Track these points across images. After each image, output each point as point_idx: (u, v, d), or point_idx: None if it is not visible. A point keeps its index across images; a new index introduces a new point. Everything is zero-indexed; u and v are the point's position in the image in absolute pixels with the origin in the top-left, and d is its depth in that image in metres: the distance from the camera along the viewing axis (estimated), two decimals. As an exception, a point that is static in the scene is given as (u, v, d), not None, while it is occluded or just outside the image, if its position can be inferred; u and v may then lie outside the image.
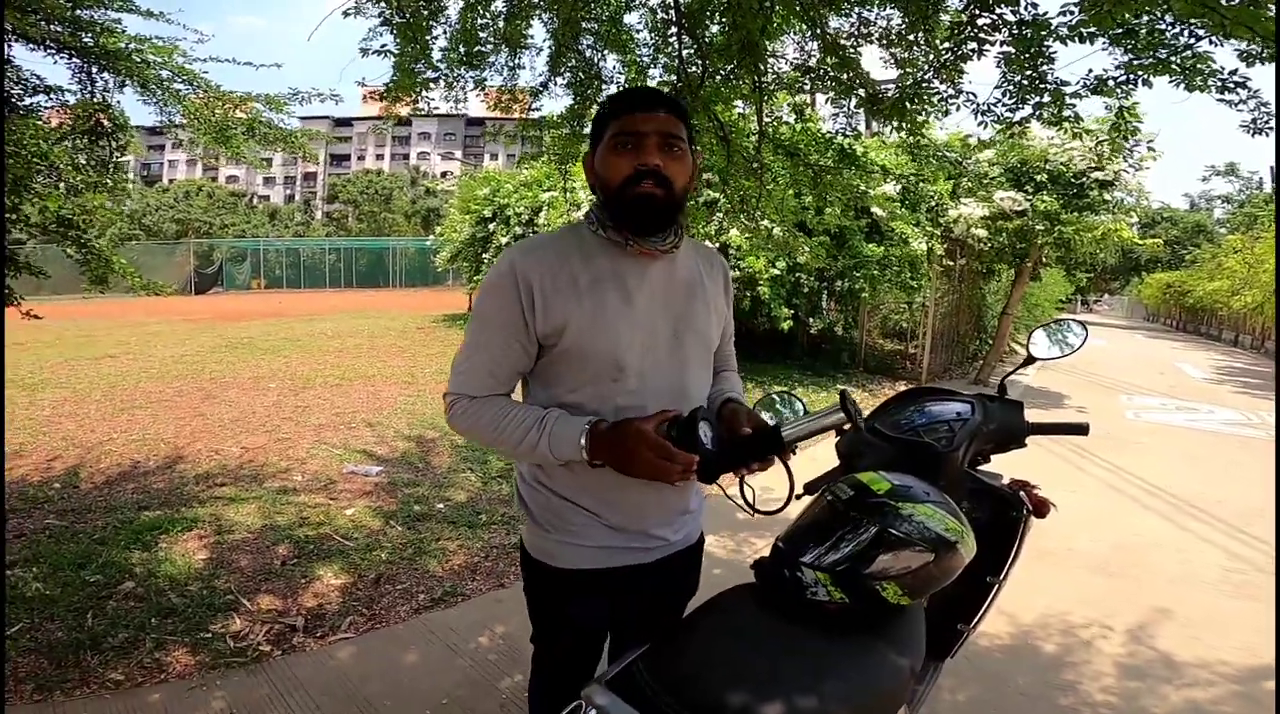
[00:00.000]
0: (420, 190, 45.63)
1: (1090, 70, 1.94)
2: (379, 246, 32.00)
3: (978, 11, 1.87)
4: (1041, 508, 1.45)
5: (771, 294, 7.48)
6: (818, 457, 1.51)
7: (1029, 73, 1.99)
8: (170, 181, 48.42)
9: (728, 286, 1.35)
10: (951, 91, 2.22)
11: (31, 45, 3.18)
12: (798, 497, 1.50)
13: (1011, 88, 2.12)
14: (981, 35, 1.92)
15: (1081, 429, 1.53)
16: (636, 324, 1.17)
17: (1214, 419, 7.63)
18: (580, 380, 1.17)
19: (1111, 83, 1.91)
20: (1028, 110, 2.18)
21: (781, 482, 1.20)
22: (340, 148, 61.73)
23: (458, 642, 2.49)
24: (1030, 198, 8.08)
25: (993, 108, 2.21)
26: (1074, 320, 1.66)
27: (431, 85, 3.18)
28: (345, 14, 2.72)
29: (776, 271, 7.51)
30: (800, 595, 1.08)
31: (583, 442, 1.11)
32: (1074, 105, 2.11)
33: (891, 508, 1.08)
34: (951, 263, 9.17)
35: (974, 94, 2.21)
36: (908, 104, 2.32)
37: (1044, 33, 1.81)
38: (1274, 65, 1.88)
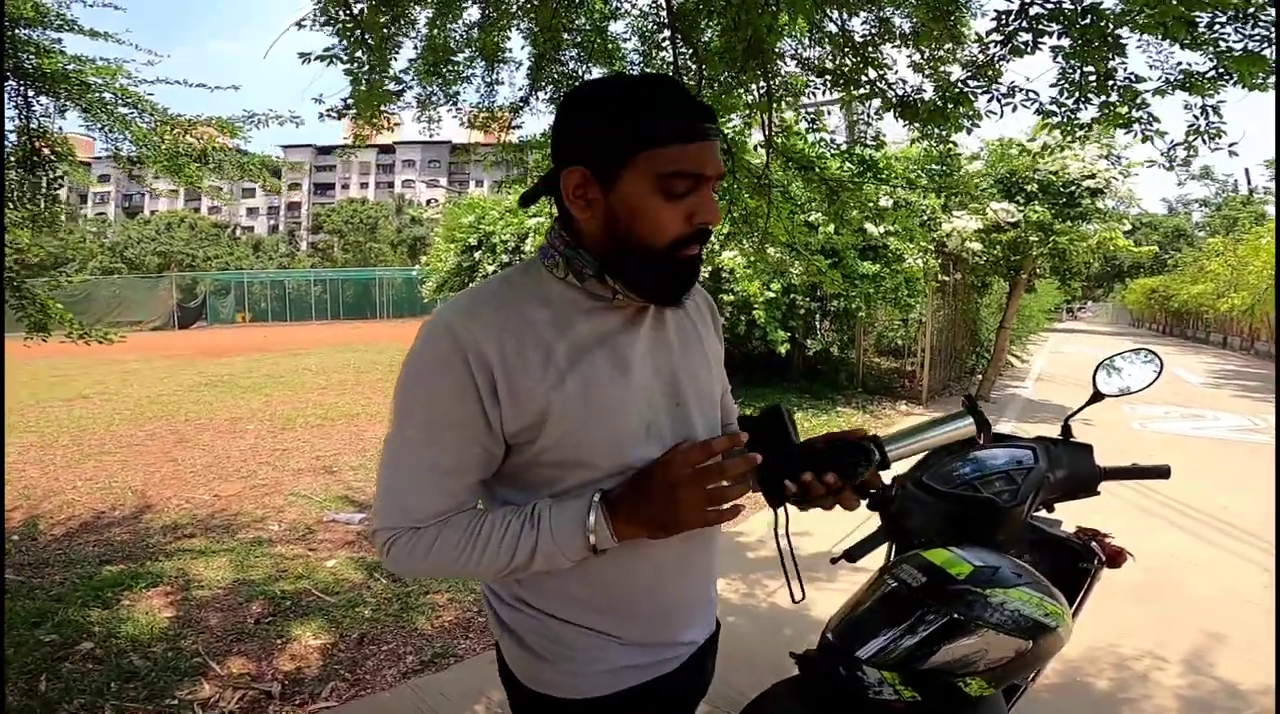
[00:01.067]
0: (406, 219, 45.75)
1: (1180, 64, 1.71)
2: (365, 277, 31.88)
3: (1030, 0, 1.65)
4: (1117, 558, 1.28)
5: (767, 317, 7.29)
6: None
7: (1094, 69, 1.76)
8: (152, 213, 48.13)
9: (717, 323, 1.07)
10: (1003, 90, 1.98)
11: None
12: (832, 561, 1.29)
13: (1069, 85, 1.86)
14: (1040, 26, 1.69)
15: (1163, 472, 1.31)
16: (635, 399, 0.88)
17: (1220, 426, 7.51)
18: (572, 480, 0.87)
19: (1199, 78, 1.69)
20: (1093, 111, 1.93)
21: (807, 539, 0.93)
22: (324, 176, 61.88)
23: (451, 710, 2.27)
24: (1022, 208, 8.00)
25: (1055, 109, 1.95)
26: (1145, 349, 1.46)
27: (396, 100, 2.96)
28: (299, 25, 2.55)
29: (772, 293, 7.34)
30: (861, 696, 0.91)
31: (591, 519, 0.82)
32: (1148, 105, 1.86)
33: (978, 595, 0.90)
34: (946, 277, 9.06)
35: (1035, 92, 1.94)
36: (949, 107, 2.05)
37: (1107, 23, 1.59)
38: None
